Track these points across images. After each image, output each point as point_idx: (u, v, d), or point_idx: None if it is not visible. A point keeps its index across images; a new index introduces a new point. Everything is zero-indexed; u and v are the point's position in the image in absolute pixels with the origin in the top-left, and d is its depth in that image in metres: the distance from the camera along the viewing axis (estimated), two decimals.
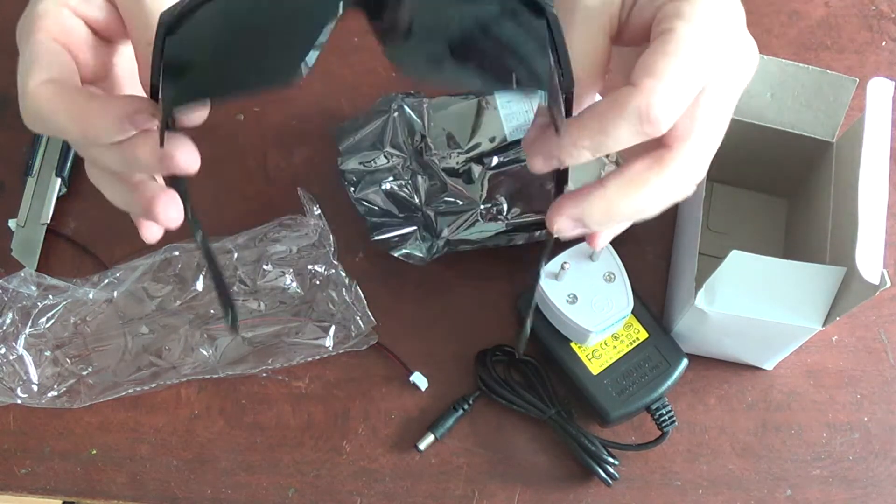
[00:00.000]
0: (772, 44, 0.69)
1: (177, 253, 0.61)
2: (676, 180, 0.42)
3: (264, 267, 0.61)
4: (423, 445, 0.58)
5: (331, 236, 0.61)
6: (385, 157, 0.61)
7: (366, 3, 0.41)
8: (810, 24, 0.70)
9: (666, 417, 0.56)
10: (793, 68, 0.55)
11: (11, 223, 0.63)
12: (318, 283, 0.60)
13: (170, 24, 0.41)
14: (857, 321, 0.62)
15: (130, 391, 0.59)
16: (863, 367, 0.61)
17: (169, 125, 0.42)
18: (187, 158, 0.43)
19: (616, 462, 0.57)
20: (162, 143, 0.42)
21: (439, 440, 0.59)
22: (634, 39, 0.43)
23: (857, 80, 0.55)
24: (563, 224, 0.42)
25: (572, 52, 0.41)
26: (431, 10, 0.41)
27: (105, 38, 0.46)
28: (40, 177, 0.64)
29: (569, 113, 0.42)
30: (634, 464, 0.58)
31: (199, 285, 0.61)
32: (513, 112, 0.61)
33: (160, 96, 0.41)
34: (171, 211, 0.44)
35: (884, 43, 0.70)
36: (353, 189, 0.61)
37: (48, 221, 0.63)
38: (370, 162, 0.61)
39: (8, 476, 0.58)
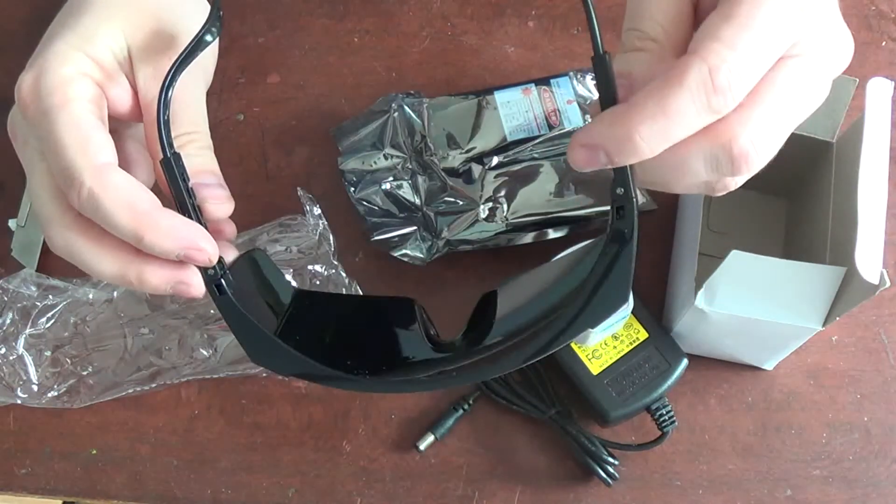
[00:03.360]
0: None
1: None
2: (718, 138, 0.36)
3: None
4: (423, 445, 0.58)
5: (331, 236, 0.60)
6: (385, 157, 0.61)
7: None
8: None
9: (666, 417, 0.56)
10: None
11: (11, 223, 0.63)
12: (318, 283, 0.60)
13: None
14: (857, 321, 0.62)
15: (130, 391, 0.59)
16: (863, 367, 0.61)
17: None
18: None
19: (616, 462, 0.57)
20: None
21: (439, 440, 0.59)
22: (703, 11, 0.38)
23: (857, 80, 0.55)
24: (578, 154, 0.37)
25: (650, 7, 0.37)
26: None
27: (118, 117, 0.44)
28: None
29: (612, 99, 0.37)
30: (634, 464, 0.58)
31: None
32: (513, 112, 0.61)
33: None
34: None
35: (884, 43, 0.70)
36: (353, 189, 0.61)
37: None
38: (370, 162, 0.61)
39: (8, 476, 0.58)
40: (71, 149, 0.40)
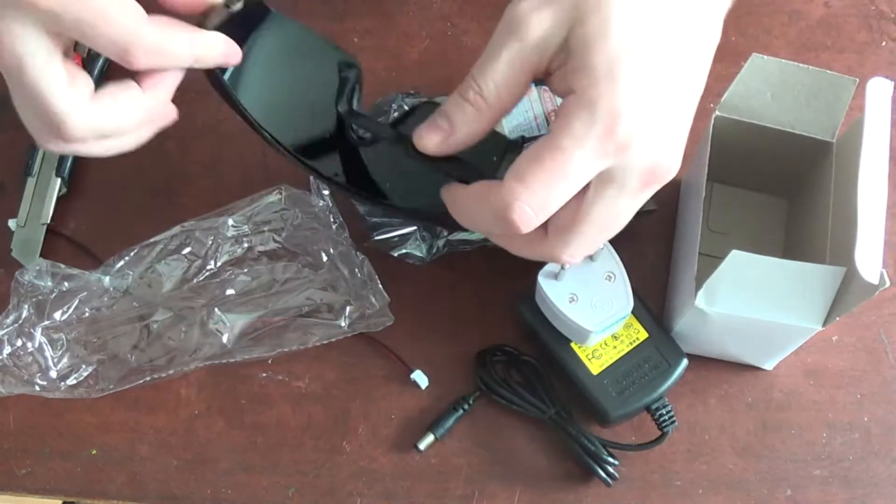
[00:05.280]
0: (772, 44, 0.69)
1: (189, 232, 0.61)
2: (538, 251, 0.45)
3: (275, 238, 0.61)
4: (423, 445, 0.58)
5: (340, 216, 0.60)
6: None
7: None
8: (810, 24, 0.70)
9: (666, 417, 0.56)
10: (793, 68, 0.55)
11: (11, 223, 0.63)
12: (329, 261, 0.60)
13: None
14: (857, 321, 0.62)
15: (147, 379, 0.59)
16: (863, 367, 0.61)
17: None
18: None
19: (616, 462, 0.57)
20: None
21: (439, 440, 0.59)
22: (557, 93, 0.44)
23: (857, 80, 0.55)
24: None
25: (496, 66, 0.42)
26: None
27: None
28: (40, 177, 0.64)
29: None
30: (634, 464, 0.58)
31: (214, 264, 0.61)
32: (512, 112, 0.61)
33: None
34: None
35: (884, 43, 0.70)
36: None
37: (48, 221, 0.63)
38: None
39: (8, 476, 0.58)
40: (114, 23, 0.42)
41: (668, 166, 0.42)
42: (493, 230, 0.44)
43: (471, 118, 0.43)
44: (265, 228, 0.61)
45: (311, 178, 0.61)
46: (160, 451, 0.59)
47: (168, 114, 0.47)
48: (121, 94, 0.45)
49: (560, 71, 0.42)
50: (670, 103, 0.41)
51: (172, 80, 0.46)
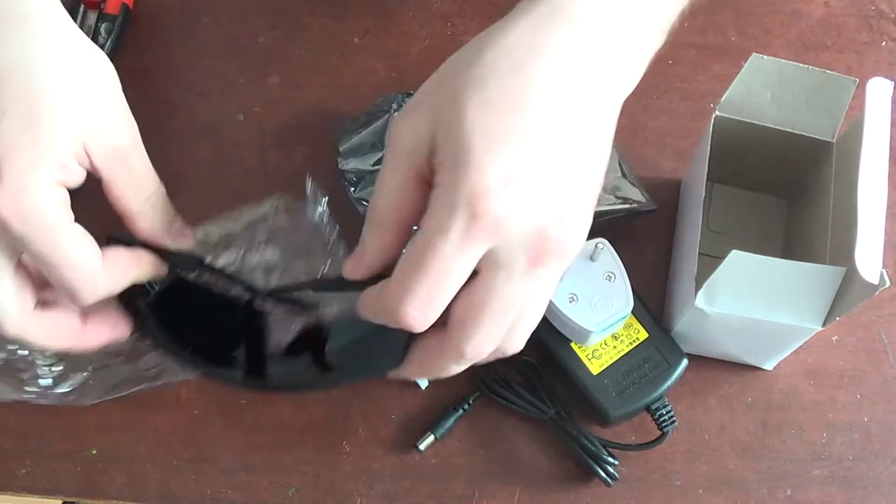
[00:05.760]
0: (772, 44, 0.69)
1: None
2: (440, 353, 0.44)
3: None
4: (423, 445, 0.58)
5: (337, 226, 0.60)
6: None
7: None
8: (810, 24, 0.70)
9: (666, 417, 0.56)
10: (793, 68, 0.55)
11: None
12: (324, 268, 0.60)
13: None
14: (857, 321, 0.62)
15: (136, 389, 0.59)
16: (863, 367, 0.61)
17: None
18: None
19: (616, 462, 0.57)
20: None
21: (439, 440, 0.59)
22: None
23: (857, 80, 0.55)
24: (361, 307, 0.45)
25: (381, 180, 0.43)
26: None
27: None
28: None
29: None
30: (634, 464, 0.58)
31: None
32: None
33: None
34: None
35: (884, 43, 0.70)
36: (353, 189, 0.61)
37: None
38: (370, 162, 0.61)
39: (8, 476, 0.58)
40: (75, 268, 0.46)
41: (557, 236, 0.40)
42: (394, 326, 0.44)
43: (375, 235, 0.44)
44: (261, 238, 0.61)
45: (308, 188, 0.60)
46: (160, 451, 0.59)
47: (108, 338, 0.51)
48: (62, 321, 0.49)
49: None
50: (544, 172, 0.40)
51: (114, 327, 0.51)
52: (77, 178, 0.47)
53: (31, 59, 0.46)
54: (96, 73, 0.49)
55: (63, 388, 0.58)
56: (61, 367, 0.58)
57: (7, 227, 0.44)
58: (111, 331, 0.51)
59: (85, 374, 0.59)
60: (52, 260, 0.45)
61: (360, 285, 0.46)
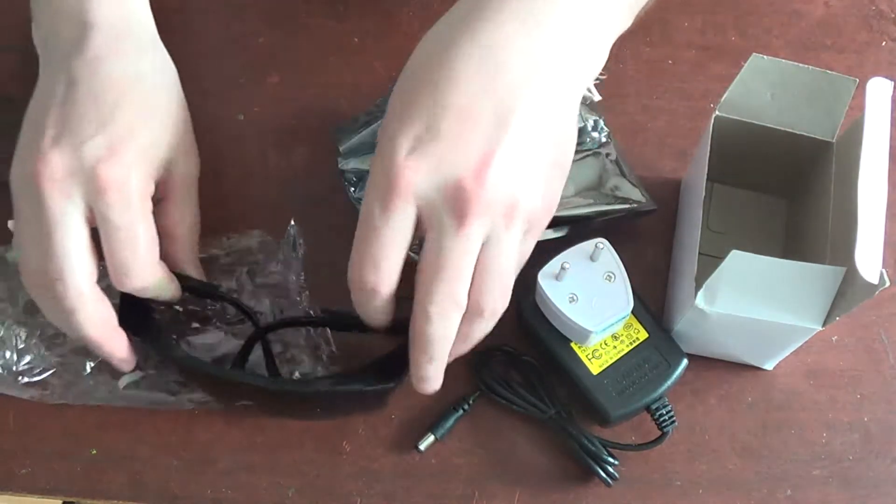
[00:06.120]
0: (772, 44, 0.69)
1: None
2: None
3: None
4: (423, 445, 0.58)
5: (302, 274, 0.59)
6: None
7: None
8: (810, 24, 0.70)
9: (666, 417, 0.56)
10: (793, 68, 0.55)
11: (11, 224, 0.63)
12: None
13: None
14: (857, 321, 0.62)
15: (102, 401, 0.58)
16: (863, 367, 0.61)
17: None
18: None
19: (616, 462, 0.57)
20: None
21: (439, 440, 0.59)
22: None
23: (857, 80, 0.55)
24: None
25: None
26: None
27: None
28: None
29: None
30: (634, 464, 0.58)
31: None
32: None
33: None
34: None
35: (884, 43, 0.70)
36: (353, 189, 0.61)
37: None
38: (370, 162, 0.61)
39: (8, 476, 0.58)
40: (139, 247, 0.50)
41: (475, 191, 0.42)
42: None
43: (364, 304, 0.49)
44: (239, 270, 0.60)
45: (291, 232, 0.60)
46: (160, 451, 0.59)
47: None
48: (107, 305, 0.52)
49: None
50: (453, 134, 0.42)
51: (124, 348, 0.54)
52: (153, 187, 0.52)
53: (144, 73, 0.52)
54: (180, 93, 0.55)
55: (30, 379, 0.58)
56: (28, 357, 0.58)
57: (103, 192, 0.48)
58: (129, 350, 0.54)
59: (51, 371, 0.58)
60: (125, 234, 0.49)
61: (360, 324, 0.50)
